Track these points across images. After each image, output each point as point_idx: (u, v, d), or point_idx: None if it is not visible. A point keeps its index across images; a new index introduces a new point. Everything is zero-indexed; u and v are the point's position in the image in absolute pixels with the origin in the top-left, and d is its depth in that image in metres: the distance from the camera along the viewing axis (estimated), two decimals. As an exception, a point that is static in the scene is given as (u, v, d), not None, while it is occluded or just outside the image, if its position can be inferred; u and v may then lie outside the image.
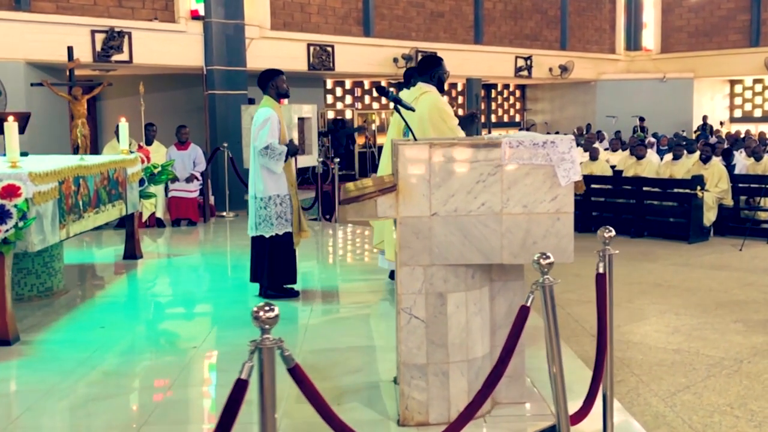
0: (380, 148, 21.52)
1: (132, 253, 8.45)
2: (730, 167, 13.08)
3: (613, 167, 14.00)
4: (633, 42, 27.21)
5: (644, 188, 12.46)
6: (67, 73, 11.96)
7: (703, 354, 6.44)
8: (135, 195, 7.99)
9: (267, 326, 2.46)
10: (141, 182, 8.23)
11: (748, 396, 5.50)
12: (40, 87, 11.70)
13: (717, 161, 12.81)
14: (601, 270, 3.95)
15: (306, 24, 18.61)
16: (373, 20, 19.80)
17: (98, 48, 15.12)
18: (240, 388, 2.42)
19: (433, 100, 6.15)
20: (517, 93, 27.94)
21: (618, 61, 26.89)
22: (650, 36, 27.03)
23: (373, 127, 22.61)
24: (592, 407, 3.83)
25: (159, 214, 11.34)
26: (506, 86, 27.26)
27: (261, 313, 2.45)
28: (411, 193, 3.74)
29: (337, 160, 13.54)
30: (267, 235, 6.46)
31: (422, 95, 6.19)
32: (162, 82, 17.83)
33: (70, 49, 11.71)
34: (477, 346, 3.90)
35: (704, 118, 23.49)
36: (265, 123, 6.29)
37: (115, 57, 15.38)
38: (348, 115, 22.15)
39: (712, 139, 19.16)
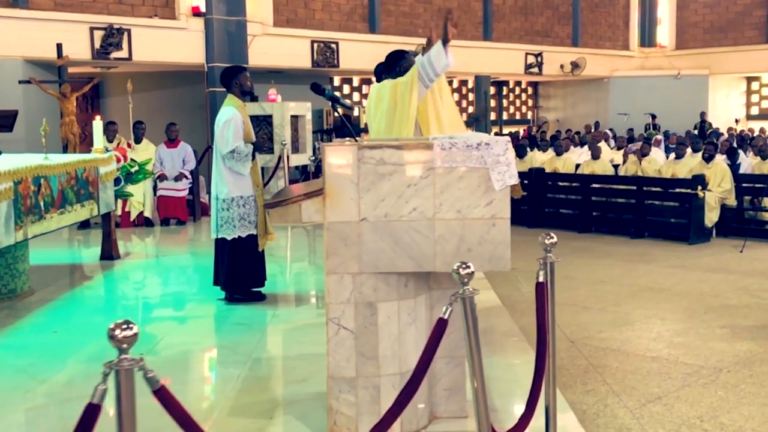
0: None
1: (109, 253, 8.32)
2: (734, 166, 12.77)
3: (615, 166, 13.72)
4: (647, 38, 26.84)
5: (644, 188, 12.17)
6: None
7: (682, 362, 6.20)
8: (109, 195, 7.85)
9: (125, 345, 2.26)
10: (117, 181, 8.09)
11: (720, 408, 5.26)
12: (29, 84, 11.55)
13: (720, 160, 12.50)
14: (540, 278, 3.74)
15: (310, 20, 18.45)
16: (379, 16, 19.60)
17: (97, 45, 15.04)
18: (90, 414, 2.23)
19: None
20: (530, 90, 27.63)
21: (632, 58, 26.53)
22: (665, 32, 26.64)
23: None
24: (529, 422, 3.62)
25: (147, 213, 11.21)
26: (518, 83, 26.97)
27: (117, 332, 2.26)
28: (338, 198, 3.55)
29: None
30: (229, 238, 6.29)
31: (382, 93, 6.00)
32: (163, 79, 17.73)
33: (59, 46, 11.62)
34: (411, 358, 3.70)
35: (702, 114, 23.02)
36: (228, 124, 6.12)
37: (114, 54, 15.30)
38: (356, 112, 21.94)
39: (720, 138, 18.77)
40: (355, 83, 22.35)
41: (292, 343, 5.51)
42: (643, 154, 12.92)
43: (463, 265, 3.09)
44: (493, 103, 26.33)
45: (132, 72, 18.11)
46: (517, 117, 27.18)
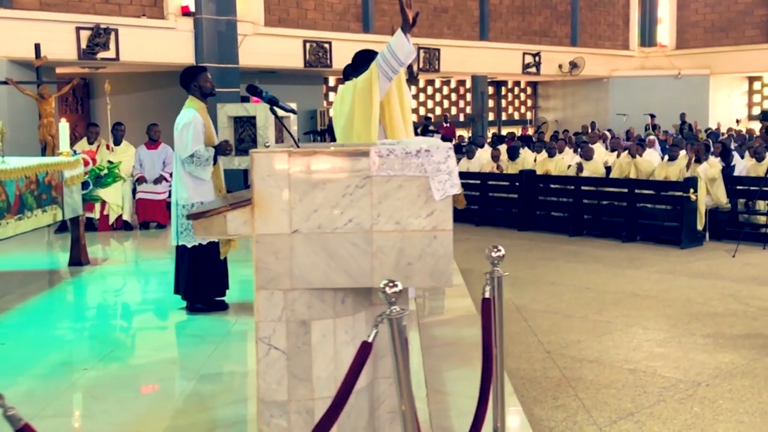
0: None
1: (77, 259, 8.09)
2: (728, 168, 12.51)
3: (609, 168, 13.46)
4: (647, 38, 26.58)
5: (636, 190, 11.92)
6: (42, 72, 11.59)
7: (660, 375, 5.95)
8: (75, 199, 7.63)
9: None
10: (86, 185, 7.87)
11: (695, 426, 5.02)
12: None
13: (715, 161, 12.24)
14: (487, 294, 3.50)
15: (302, 20, 18.24)
16: (373, 16, 19.38)
17: (83, 45, 14.85)
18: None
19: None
20: (529, 90, 27.37)
21: (632, 58, 26.26)
22: (665, 31, 26.37)
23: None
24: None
25: (126, 217, 10.99)
26: (517, 83, 26.71)
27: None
28: (268, 208, 3.32)
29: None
30: (189, 245, 6.06)
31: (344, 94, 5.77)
32: (153, 80, 17.53)
33: (37, 47, 11.40)
34: (349, 379, 3.46)
35: (682, 116, 22.65)
36: (187, 127, 5.88)
37: (101, 54, 15.11)
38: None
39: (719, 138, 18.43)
40: (332, 83, 22.09)
41: (245, 358, 5.28)
42: (633, 155, 12.63)
43: (390, 284, 2.86)
44: (491, 103, 26.08)
45: (122, 72, 17.94)
46: (516, 117, 26.92)
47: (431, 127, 21.67)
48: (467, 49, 21.31)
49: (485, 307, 3.48)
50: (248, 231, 3.33)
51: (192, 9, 16.23)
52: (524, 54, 22.91)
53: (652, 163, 12.31)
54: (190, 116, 5.91)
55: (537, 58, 23.11)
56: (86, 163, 7.87)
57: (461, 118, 24.51)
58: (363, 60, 5.87)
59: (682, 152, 13.01)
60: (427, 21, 20.61)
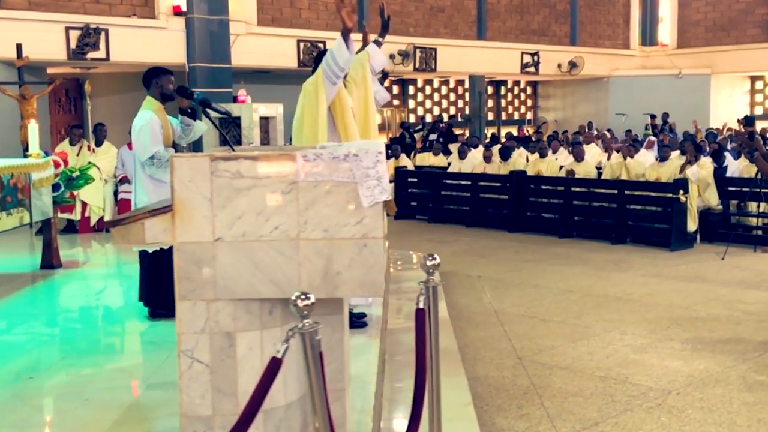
0: (393, 147, 20.94)
1: (49, 262, 7.97)
2: (721, 169, 12.32)
3: (599, 169, 13.30)
4: (648, 37, 26.37)
5: (626, 192, 11.75)
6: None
7: (631, 382, 5.80)
8: (45, 201, 7.51)
9: None
10: (57, 187, 7.75)
11: (659, 436, 4.87)
12: None
13: (707, 162, 12.06)
14: (421, 304, 3.36)
15: (296, 20, 18.11)
16: (368, 15, 19.22)
17: (73, 45, 14.77)
18: None
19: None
20: (529, 90, 27.20)
21: (632, 57, 26.05)
22: (666, 30, 26.16)
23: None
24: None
25: (108, 218, 10.86)
26: (517, 83, 26.54)
27: None
28: (190, 215, 3.18)
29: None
30: (150, 249, 5.94)
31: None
32: (137, 80, 17.38)
33: (18, 47, 11.31)
34: (278, 393, 3.33)
35: (653, 117, 22.40)
36: (144, 129, 5.75)
37: (91, 54, 15.02)
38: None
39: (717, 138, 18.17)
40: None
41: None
42: (626, 157, 12.46)
43: (302, 296, 2.72)
44: (491, 103, 25.93)
45: (115, 72, 17.84)
46: (516, 117, 26.75)
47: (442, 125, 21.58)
48: (464, 49, 21.15)
49: (419, 319, 3.33)
50: (169, 239, 3.20)
51: (184, 8, 16.12)
52: (522, 53, 22.74)
53: (643, 164, 12.13)
54: (147, 117, 5.78)
55: (536, 58, 22.94)
56: (57, 165, 7.74)
57: (460, 118, 24.34)
58: (318, 58, 5.75)
59: (675, 153, 12.85)
60: (424, 20, 20.47)
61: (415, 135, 21.09)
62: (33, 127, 7.44)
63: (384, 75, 7.35)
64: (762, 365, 6.15)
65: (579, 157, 13.08)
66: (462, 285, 9.16)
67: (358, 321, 5.75)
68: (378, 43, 6.20)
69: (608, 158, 13.51)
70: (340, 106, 5.54)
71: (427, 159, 16.10)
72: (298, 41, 17.86)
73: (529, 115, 27.21)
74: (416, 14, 20.28)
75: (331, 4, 18.69)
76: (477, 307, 8.15)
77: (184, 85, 3.84)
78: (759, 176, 10.01)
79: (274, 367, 2.68)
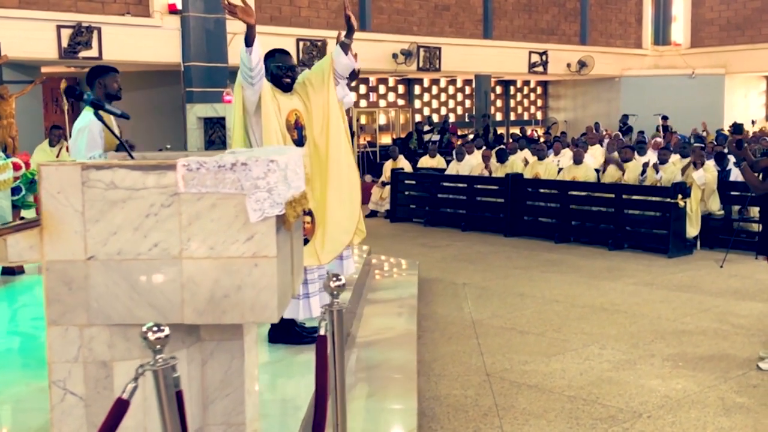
0: (382, 147, 20.59)
1: (10, 268, 7.67)
2: (724, 173, 11.88)
3: (598, 171, 12.87)
4: (661, 36, 25.86)
5: (624, 196, 11.33)
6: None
7: (601, 403, 5.42)
8: (2, 205, 7.21)
9: None
10: (17, 190, 7.46)
11: (620, 466, 4.49)
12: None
13: (710, 166, 11.61)
14: (322, 331, 3.01)
15: (295, 18, 17.80)
16: (370, 14, 18.90)
17: (64, 44, 14.52)
18: None
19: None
20: (539, 90, 26.75)
21: (644, 57, 25.53)
22: (679, 29, 25.64)
23: (375, 125, 21.66)
24: None
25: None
26: (526, 83, 26.10)
27: None
28: (59, 230, 2.85)
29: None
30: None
31: None
32: (143, 79, 17.17)
33: (-3, 46, 11.04)
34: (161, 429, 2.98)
35: (624, 117, 21.88)
36: (82, 132, 5.38)
37: (83, 53, 14.76)
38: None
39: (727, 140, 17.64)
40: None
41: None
42: (624, 159, 12.04)
43: (155, 328, 2.38)
44: (500, 103, 25.52)
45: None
46: (526, 117, 26.30)
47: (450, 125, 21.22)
48: (470, 48, 20.76)
49: (320, 346, 2.98)
50: (36, 257, 2.87)
51: (179, 7, 15.84)
52: (530, 53, 22.31)
53: (639, 167, 11.69)
54: (87, 120, 5.42)
55: (544, 57, 22.50)
56: (18, 168, 7.44)
57: (467, 118, 23.94)
58: (265, 59, 5.38)
59: (675, 156, 12.42)
60: (428, 18, 20.09)
61: (424, 137, 20.67)
62: (-10, 129, 7.16)
63: (352, 74, 6.99)
64: (744, 385, 5.75)
65: (578, 160, 12.66)
66: (444, 293, 8.80)
67: (309, 336, 5.41)
68: (344, 46, 5.79)
69: (605, 163, 13.03)
70: (266, 114, 5.20)
71: (426, 161, 15.72)
72: (298, 40, 17.53)
73: (539, 116, 26.75)
74: (420, 13, 19.91)
75: (332, 3, 18.39)
76: (455, 317, 7.79)
77: (73, 85, 3.49)
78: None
79: (119, 409, 2.34)
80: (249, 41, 4.91)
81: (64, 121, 17.96)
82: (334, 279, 3.17)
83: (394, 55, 19.04)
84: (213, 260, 2.87)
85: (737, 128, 12.55)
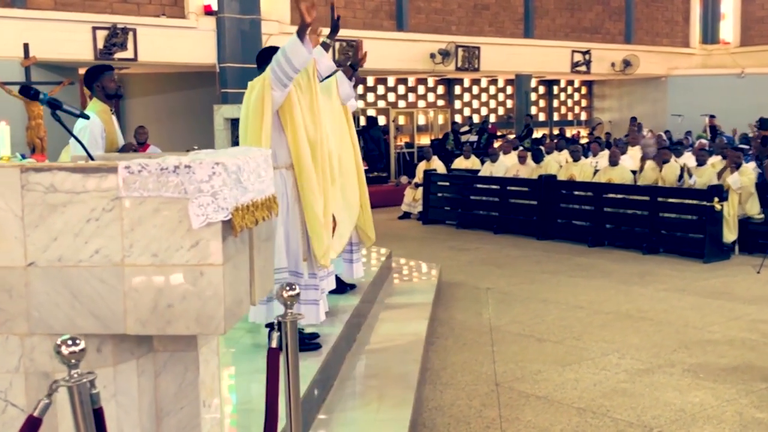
0: (419, 148, 20.40)
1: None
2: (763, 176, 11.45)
3: (635, 173, 12.51)
4: (709, 34, 25.21)
5: (659, 199, 10.98)
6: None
7: (610, 417, 5.17)
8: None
9: None
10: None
11: (621, 486, 4.25)
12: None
13: (748, 168, 11.21)
14: (273, 343, 2.84)
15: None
16: (408, 14, 18.72)
17: (100, 45, 14.60)
18: None
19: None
20: (583, 90, 26.27)
21: (692, 56, 24.92)
22: (729, 28, 24.96)
23: (413, 126, 21.44)
24: None
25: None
26: (570, 82, 25.66)
27: None
28: (-2, 236, 2.73)
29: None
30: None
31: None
32: (176, 80, 17.22)
33: (26, 46, 11.12)
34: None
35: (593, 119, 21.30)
36: (82, 133, 5.32)
37: (119, 55, 14.83)
38: (376, 113, 20.98)
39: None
40: (391, 83, 21.45)
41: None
42: (663, 161, 11.68)
43: (70, 341, 2.23)
44: (543, 103, 25.15)
45: (150, 73, 17.70)
46: (569, 118, 25.84)
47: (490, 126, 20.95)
48: (510, 47, 20.44)
49: (270, 360, 2.81)
50: (-27, 263, 2.75)
51: (215, 8, 15.86)
52: (573, 52, 21.90)
53: (677, 169, 11.31)
54: (87, 120, 5.36)
55: (587, 57, 22.08)
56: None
57: (509, 119, 23.60)
58: (265, 58, 5.24)
59: (716, 158, 12.02)
60: (467, 18, 19.84)
61: (461, 137, 20.41)
62: (3, 129, 7.09)
63: (357, 80, 6.89)
64: (765, 399, 5.46)
65: (614, 161, 12.33)
66: (465, 298, 8.58)
67: (310, 342, 5.25)
68: (326, 46, 5.71)
69: (642, 160, 12.67)
70: (289, 109, 5.05)
71: (460, 162, 15.48)
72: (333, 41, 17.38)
73: (584, 116, 26.29)
74: (459, 12, 19.66)
75: (369, 3, 18.27)
76: (472, 323, 7.57)
77: (29, 86, 3.39)
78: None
79: (31, 428, 2.20)
80: (303, 40, 4.78)
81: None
82: (288, 288, 3.00)
83: (432, 55, 18.83)
84: (156, 268, 2.73)
85: (764, 123, 12.07)
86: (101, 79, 5.50)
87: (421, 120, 21.76)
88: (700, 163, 11.25)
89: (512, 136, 19.73)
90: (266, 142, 4.91)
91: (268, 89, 4.85)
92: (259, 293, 3.15)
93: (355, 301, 6.51)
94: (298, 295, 2.96)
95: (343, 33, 17.51)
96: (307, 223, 5.23)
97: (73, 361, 2.25)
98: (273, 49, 5.38)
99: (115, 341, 2.87)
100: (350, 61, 6.34)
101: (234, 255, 2.85)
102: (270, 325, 5.13)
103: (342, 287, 6.70)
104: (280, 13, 16.85)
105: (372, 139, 19.06)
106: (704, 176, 10.89)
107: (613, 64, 22.73)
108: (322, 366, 4.91)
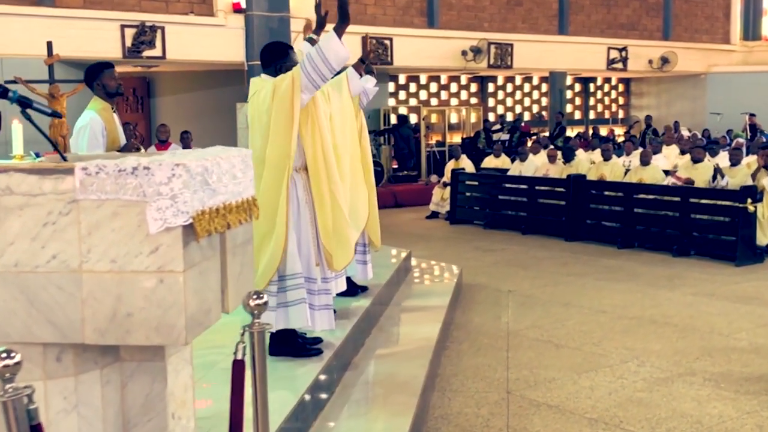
0: (450, 147, 20.17)
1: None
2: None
3: (667, 173, 12.20)
4: (751, 31, 24.67)
5: (691, 200, 10.68)
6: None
7: (623, 428, 4.96)
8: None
9: None
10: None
11: (627, 503, 4.04)
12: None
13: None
14: (239, 355, 2.69)
15: (361, 16, 17.52)
16: (439, 10, 18.53)
17: (128, 44, 14.60)
18: None
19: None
20: (620, 87, 25.84)
21: (732, 53, 24.39)
22: (771, 24, 24.40)
23: (445, 124, 21.22)
24: None
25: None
26: (607, 80, 25.26)
27: None
28: (-47, 240, 2.62)
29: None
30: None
31: (257, 92, 4.95)
32: (205, 78, 17.20)
33: (49, 44, 11.10)
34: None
35: (647, 119, 20.68)
36: (83, 131, 5.24)
37: (147, 53, 14.83)
38: (407, 111, 20.79)
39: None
40: (423, 80, 21.25)
41: None
42: (695, 160, 11.36)
43: (4, 354, 2.11)
44: (578, 101, 24.79)
45: (180, 71, 17.70)
46: (606, 116, 25.44)
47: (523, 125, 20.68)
48: (544, 44, 20.17)
49: (236, 372, 2.67)
50: (-75, 268, 2.63)
51: (243, 5, 15.78)
52: (609, 48, 21.54)
53: (710, 169, 10.97)
54: (87, 119, 5.27)
55: (623, 53, 21.71)
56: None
57: (545, 116, 23.29)
58: (275, 57, 5.07)
59: (749, 158, 11.67)
60: (499, 14, 19.59)
61: (493, 136, 20.15)
62: (17, 127, 7.05)
63: (367, 68, 6.75)
64: (789, 412, 5.20)
65: (645, 161, 12.03)
66: (485, 301, 8.39)
67: (311, 348, 5.11)
68: (311, 41, 5.59)
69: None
70: (308, 111, 4.91)
71: (490, 161, 15.25)
72: (363, 38, 17.19)
73: (621, 114, 25.87)
74: (491, 8, 19.42)
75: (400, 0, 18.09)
76: (490, 327, 7.38)
77: (-2, 83, 3.27)
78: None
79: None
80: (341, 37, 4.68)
81: (150, 119, 18.14)
82: (255, 297, 2.85)
83: (464, 53, 18.62)
84: (115, 274, 2.60)
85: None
86: (101, 77, 5.40)
87: (454, 118, 21.54)
88: (734, 162, 10.91)
89: (545, 134, 19.45)
90: (295, 145, 4.77)
91: (298, 91, 4.67)
92: (234, 300, 3.01)
93: (365, 303, 6.36)
94: (265, 303, 2.81)
95: (373, 30, 17.50)
96: (318, 227, 5.09)
97: (7, 375, 2.12)
98: (279, 45, 5.24)
99: (76, 350, 2.75)
100: (360, 56, 6.18)
101: (200, 261, 2.71)
102: (274, 333, 5.01)
103: (353, 289, 6.55)
104: (309, 10, 16.67)
105: (402, 137, 18.89)
106: (738, 177, 10.56)
107: (650, 61, 22.34)
108: (322, 372, 4.77)
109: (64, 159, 3.25)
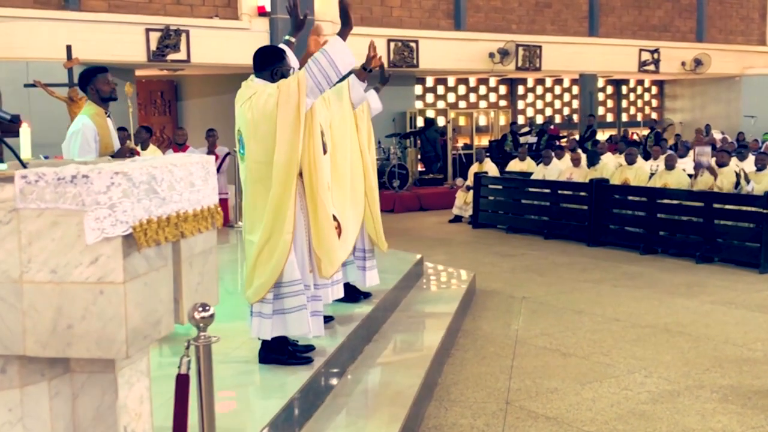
0: (478, 150, 19.99)
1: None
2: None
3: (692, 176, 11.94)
4: (788, 32, 24.16)
5: (714, 205, 10.43)
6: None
7: (620, 443, 4.81)
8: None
9: None
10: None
11: None
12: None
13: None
14: (183, 369, 2.61)
15: (387, 18, 17.47)
16: (465, 12, 18.39)
17: (153, 47, 14.68)
18: None
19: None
20: (654, 89, 25.47)
21: (768, 54, 23.93)
22: (808, 25, 23.90)
23: (473, 127, 21.05)
24: None
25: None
26: (640, 82, 24.91)
27: None
28: None
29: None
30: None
31: (254, 96, 4.84)
32: (229, 82, 17.20)
33: (68, 48, 11.15)
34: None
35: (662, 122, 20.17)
36: (75, 136, 5.22)
37: (171, 56, 14.91)
38: (435, 114, 20.65)
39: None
40: (451, 83, 21.12)
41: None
42: (719, 164, 11.12)
43: None
44: (610, 103, 24.48)
45: (206, 75, 17.77)
46: (639, 119, 25.07)
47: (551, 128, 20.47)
48: (573, 46, 19.94)
49: (179, 386, 2.59)
50: None
51: (268, 9, 15.79)
52: (641, 50, 21.24)
53: (732, 174, 10.72)
54: (79, 125, 5.26)
55: (656, 55, 21.39)
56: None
57: (576, 119, 23.02)
58: (269, 61, 4.97)
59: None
60: (528, 16, 19.40)
61: (520, 139, 19.93)
62: (25, 131, 7.06)
63: (383, 78, 6.72)
64: (796, 428, 5.01)
65: (670, 165, 11.80)
66: (497, 307, 8.25)
67: (301, 356, 5.03)
68: (288, 43, 5.54)
69: (696, 167, 12.06)
70: (311, 118, 4.87)
71: (515, 164, 15.07)
72: (389, 41, 17.19)
73: (654, 117, 25.49)
74: (519, 10, 19.24)
75: (426, 2, 17.98)
76: (498, 335, 7.24)
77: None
78: None
79: None
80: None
81: (176, 122, 18.24)
82: (200, 309, 2.76)
83: (491, 55, 18.46)
84: (55, 285, 2.53)
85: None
86: (94, 81, 5.38)
87: (482, 121, 21.38)
88: (760, 167, 10.65)
89: (575, 137, 19.20)
90: (300, 150, 4.70)
91: (303, 95, 4.59)
92: (186, 313, 2.93)
93: (367, 310, 6.26)
94: (212, 316, 2.73)
95: (399, 33, 17.44)
96: (312, 234, 5.02)
97: None
98: (274, 49, 5.13)
99: (22, 361, 2.69)
100: (363, 64, 6.09)
101: (146, 272, 2.64)
102: (264, 342, 4.94)
103: (355, 295, 6.46)
104: (334, 13, 16.60)
105: (428, 140, 18.78)
106: (764, 182, 10.30)
107: (683, 63, 21.99)
108: (309, 381, 4.68)
109: (23, 164, 3.20)
